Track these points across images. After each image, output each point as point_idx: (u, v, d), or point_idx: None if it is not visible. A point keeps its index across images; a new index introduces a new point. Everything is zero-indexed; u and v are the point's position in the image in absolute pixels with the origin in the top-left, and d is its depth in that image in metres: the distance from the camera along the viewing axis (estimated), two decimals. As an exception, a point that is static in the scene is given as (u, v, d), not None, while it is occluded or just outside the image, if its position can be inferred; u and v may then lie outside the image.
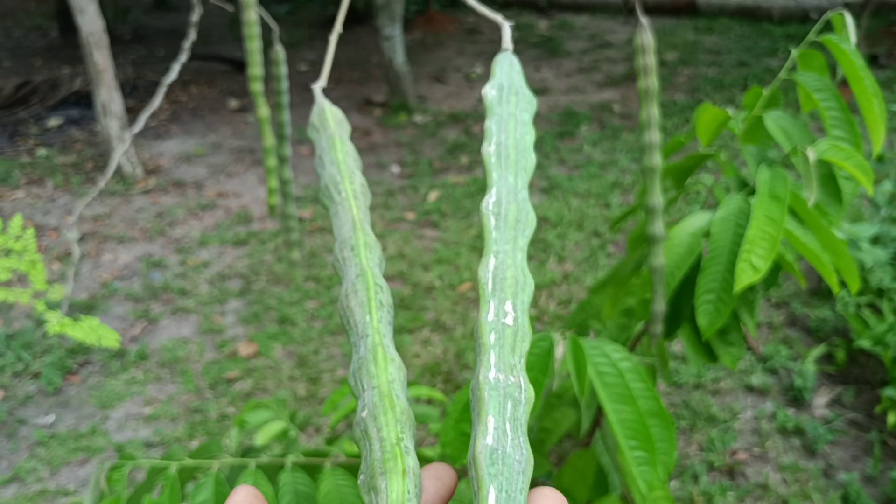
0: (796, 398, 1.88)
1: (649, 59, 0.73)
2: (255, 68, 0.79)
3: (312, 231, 2.94)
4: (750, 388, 1.94)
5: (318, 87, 0.45)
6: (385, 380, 0.32)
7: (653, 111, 0.81)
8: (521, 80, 0.43)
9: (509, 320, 0.33)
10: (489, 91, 0.42)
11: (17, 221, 0.79)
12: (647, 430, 0.81)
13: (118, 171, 3.49)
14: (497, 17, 0.48)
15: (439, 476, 0.32)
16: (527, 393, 0.32)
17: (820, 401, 1.87)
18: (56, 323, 0.78)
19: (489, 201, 0.37)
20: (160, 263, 2.77)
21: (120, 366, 2.21)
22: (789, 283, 2.29)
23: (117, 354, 2.25)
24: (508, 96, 0.42)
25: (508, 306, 0.34)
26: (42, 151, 3.88)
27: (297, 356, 2.19)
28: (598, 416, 1.22)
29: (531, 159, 0.40)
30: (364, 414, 0.31)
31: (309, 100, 0.49)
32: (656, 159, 0.84)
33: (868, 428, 1.78)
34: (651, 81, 0.75)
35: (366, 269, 0.35)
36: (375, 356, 0.33)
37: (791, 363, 1.98)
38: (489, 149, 0.39)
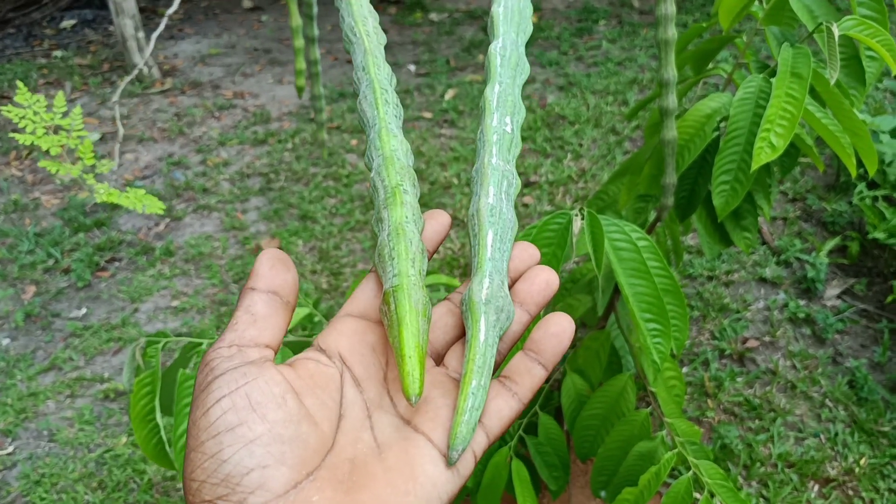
0: (808, 289, 1.92)
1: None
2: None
3: (330, 130, 2.95)
4: (763, 280, 1.97)
5: None
6: (388, 149, 0.40)
7: (669, -20, 0.81)
8: None
9: (508, 129, 0.42)
10: None
11: (60, 99, 0.81)
12: (661, 303, 0.83)
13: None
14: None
15: (436, 218, 0.41)
16: (517, 181, 0.41)
17: (832, 292, 1.90)
18: (104, 192, 0.81)
19: (497, 45, 0.45)
20: (181, 163, 2.79)
21: (147, 261, 2.27)
22: (806, 177, 2.29)
23: (144, 251, 2.31)
24: None
25: (508, 120, 0.42)
26: (58, 53, 3.86)
27: (319, 251, 2.24)
28: (613, 300, 1.25)
29: (529, 26, 0.48)
30: (373, 175, 0.40)
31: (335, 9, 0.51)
32: (671, 31, 0.84)
33: (878, 318, 1.82)
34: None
35: (373, 79, 0.43)
36: (380, 135, 0.41)
37: (804, 256, 2.00)
38: (498, 9, 0.47)
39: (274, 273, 0.35)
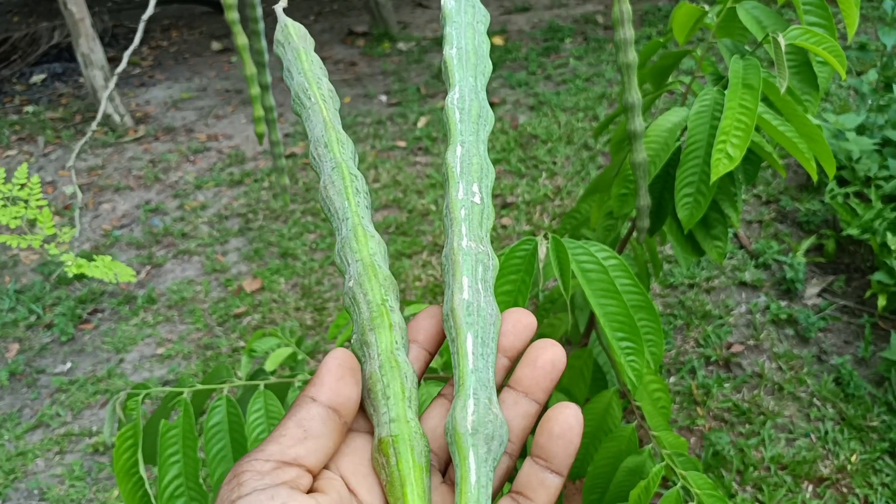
0: (788, 290, 1.93)
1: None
2: (229, -5, 0.79)
3: (305, 165, 2.96)
4: (743, 284, 1.99)
5: (280, 6, 0.46)
6: (367, 253, 0.36)
7: (625, 7, 0.83)
8: None
9: (477, 199, 0.37)
10: (448, 1, 0.44)
11: (22, 171, 0.81)
12: (633, 322, 0.83)
13: (108, 122, 3.48)
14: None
15: (433, 315, 0.36)
16: (493, 261, 0.36)
17: (812, 291, 1.91)
18: (73, 264, 0.81)
19: (453, 97, 0.41)
20: (159, 209, 2.79)
21: (130, 311, 2.26)
22: (779, 179, 2.32)
23: (126, 300, 2.30)
24: (466, 8, 0.44)
25: (475, 188, 0.38)
26: (29, 108, 3.87)
27: (301, 288, 2.24)
28: (593, 317, 1.26)
29: (488, 65, 0.43)
30: (351, 284, 0.36)
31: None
32: (631, 55, 0.86)
33: (859, 313, 1.84)
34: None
35: (340, 162, 0.38)
36: (356, 234, 0.36)
37: (782, 257, 2.02)
38: (451, 52, 0.42)
39: (340, 385, 0.32)
